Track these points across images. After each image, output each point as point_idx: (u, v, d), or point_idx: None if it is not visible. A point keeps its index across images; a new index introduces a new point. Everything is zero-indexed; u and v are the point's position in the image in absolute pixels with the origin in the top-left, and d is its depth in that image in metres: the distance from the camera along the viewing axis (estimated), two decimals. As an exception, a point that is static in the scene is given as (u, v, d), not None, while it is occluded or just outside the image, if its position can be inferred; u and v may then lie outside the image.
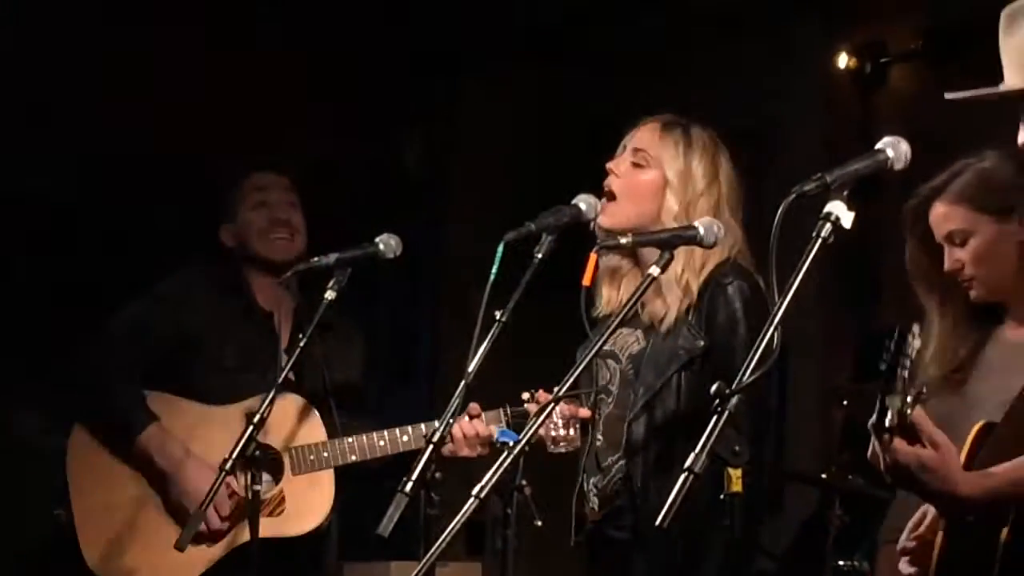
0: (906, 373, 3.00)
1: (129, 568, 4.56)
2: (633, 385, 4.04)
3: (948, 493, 3.14)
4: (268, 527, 4.43)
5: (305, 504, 4.59)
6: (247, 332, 4.74)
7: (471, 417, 4.36)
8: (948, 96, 3.44)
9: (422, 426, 4.53)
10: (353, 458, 4.56)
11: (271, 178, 4.88)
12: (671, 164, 4.06)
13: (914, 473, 3.10)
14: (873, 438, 3.08)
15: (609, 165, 4.10)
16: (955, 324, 3.61)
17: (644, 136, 4.11)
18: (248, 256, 4.81)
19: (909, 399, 3.01)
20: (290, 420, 4.61)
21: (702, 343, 3.95)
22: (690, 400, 3.92)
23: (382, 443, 4.55)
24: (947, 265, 3.56)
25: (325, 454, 4.57)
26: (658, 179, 4.06)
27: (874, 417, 3.04)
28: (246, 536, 4.36)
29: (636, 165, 4.09)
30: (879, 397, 3.04)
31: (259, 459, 4.16)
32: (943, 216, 3.57)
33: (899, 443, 3.07)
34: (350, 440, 4.57)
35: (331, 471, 4.60)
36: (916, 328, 3.03)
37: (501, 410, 4.43)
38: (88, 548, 4.58)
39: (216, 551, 4.56)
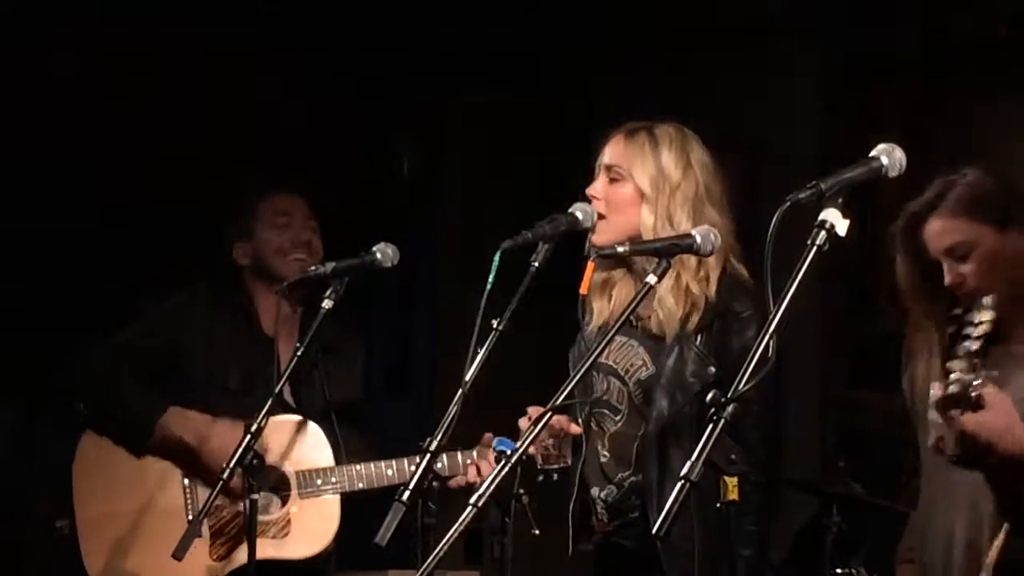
0: (973, 346, 2.98)
1: None
2: (643, 410, 4.03)
3: (1019, 450, 3.11)
4: (272, 548, 4.44)
5: (310, 529, 4.59)
6: (250, 355, 4.73)
7: (485, 446, 4.36)
8: None
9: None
10: (360, 486, 4.57)
11: (294, 200, 4.87)
12: (641, 171, 4.05)
13: (983, 440, 3.06)
14: (935, 418, 3.05)
15: (588, 191, 4.09)
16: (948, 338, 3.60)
17: (612, 151, 4.11)
18: (261, 275, 4.80)
19: (979, 380, 2.98)
20: (298, 443, 4.62)
21: (713, 370, 3.94)
22: (701, 431, 3.90)
23: (390, 472, 4.55)
24: (948, 279, 3.52)
25: (333, 479, 4.57)
26: (634, 191, 4.06)
27: (938, 390, 3.02)
28: (244, 557, 4.36)
29: (612, 180, 4.09)
30: (943, 367, 3.03)
31: (256, 468, 4.16)
32: (941, 230, 3.53)
33: (966, 416, 3.04)
34: (358, 467, 4.57)
35: (338, 499, 4.60)
36: (988, 300, 3.01)
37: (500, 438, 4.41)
38: (90, 558, 4.58)
39: (218, 568, 4.56)
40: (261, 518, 4.54)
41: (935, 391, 3.07)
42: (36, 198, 6.24)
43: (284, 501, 4.59)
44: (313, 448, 4.62)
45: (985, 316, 3.03)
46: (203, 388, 4.66)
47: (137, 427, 4.62)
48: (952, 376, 3.01)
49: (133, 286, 4.87)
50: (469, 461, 4.30)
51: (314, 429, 4.63)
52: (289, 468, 4.59)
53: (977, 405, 3.03)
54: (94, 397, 4.68)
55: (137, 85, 6.42)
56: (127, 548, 4.57)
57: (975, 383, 3.00)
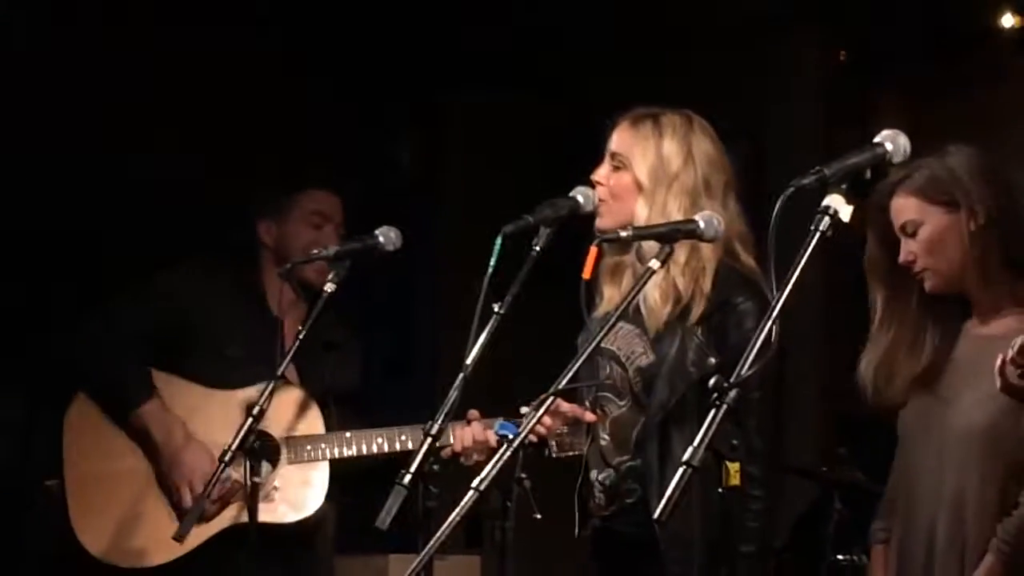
0: None
1: (118, 540, 4.56)
2: (642, 398, 4.01)
3: None
4: (260, 513, 4.44)
5: (298, 494, 4.61)
6: (254, 331, 4.74)
7: (468, 422, 4.36)
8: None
9: (421, 428, 4.51)
10: (349, 453, 4.57)
11: (334, 203, 4.86)
12: (641, 162, 4.02)
13: None
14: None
15: (593, 176, 4.09)
16: (917, 320, 3.66)
17: (618, 138, 4.09)
18: (279, 262, 4.78)
19: None
20: (290, 411, 4.63)
21: (713, 360, 3.92)
22: (700, 420, 3.89)
23: (379, 440, 4.56)
24: (901, 256, 3.62)
25: (323, 446, 4.59)
26: (633, 180, 4.04)
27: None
28: (236, 518, 4.43)
29: (615, 168, 4.09)
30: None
31: (258, 451, 4.17)
32: (899, 208, 3.64)
33: None
34: (347, 435, 4.58)
35: (326, 464, 4.61)
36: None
37: (501, 419, 4.42)
38: (78, 518, 4.58)
39: (206, 531, 4.56)
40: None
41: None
42: (36, 198, 6.25)
43: (273, 467, 4.59)
44: (303, 416, 4.63)
45: None
46: (204, 358, 4.67)
47: (119, 404, 4.63)
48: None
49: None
50: (456, 431, 4.31)
51: (307, 399, 4.65)
52: (279, 434, 4.59)
53: None
54: (87, 360, 4.67)
55: (138, 84, 6.42)
56: (115, 508, 4.58)
57: None
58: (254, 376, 4.53)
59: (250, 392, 4.48)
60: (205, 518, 4.57)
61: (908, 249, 3.62)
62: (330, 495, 4.65)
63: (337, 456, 4.59)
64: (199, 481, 4.52)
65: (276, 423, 4.58)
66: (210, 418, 4.62)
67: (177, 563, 4.54)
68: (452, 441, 4.27)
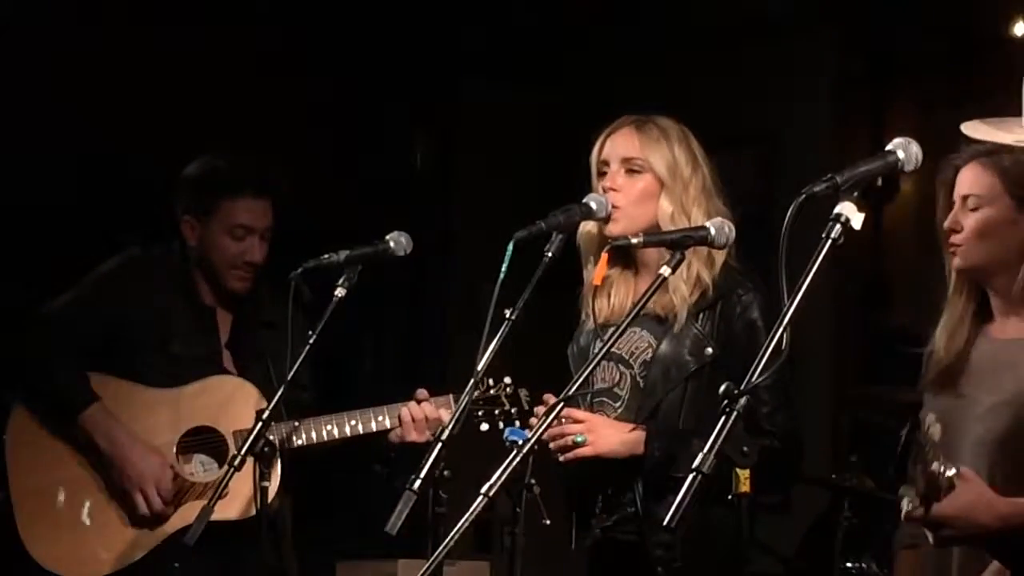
0: (922, 461, 3.01)
1: (69, 550, 4.53)
2: (643, 392, 4.06)
3: (976, 526, 3.16)
4: (215, 511, 4.42)
5: (249, 487, 4.41)
6: (189, 324, 4.71)
7: (419, 401, 4.41)
8: (964, 129, 3.49)
9: (370, 411, 4.50)
10: (299, 442, 4.51)
11: (260, 210, 4.75)
12: (660, 162, 4.09)
13: (953, 524, 3.11)
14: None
15: (605, 184, 4.10)
16: (969, 299, 3.62)
17: (627, 144, 4.13)
18: (201, 261, 4.75)
19: (947, 472, 3.02)
20: (236, 404, 4.58)
21: (710, 351, 3.99)
22: (693, 410, 3.94)
23: (330, 427, 4.51)
24: (947, 221, 3.57)
25: (271, 437, 4.46)
26: (654, 182, 4.09)
27: (907, 505, 3.06)
28: (185, 521, 4.36)
29: (631, 172, 4.10)
30: (897, 491, 3.08)
31: (268, 455, 4.15)
32: (972, 177, 3.57)
33: (938, 504, 3.09)
34: (295, 423, 4.50)
35: (277, 455, 4.56)
36: (931, 416, 3.06)
37: (451, 396, 4.45)
38: (26, 530, 4.54)
39: (156, 536, 4.54)
40: (199, 480, 4.58)
41: (905, 504, 3.11)
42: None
43: (221, 462, 4.54)
44: (249, 407, 4.50)
45: (933, 431, 3.06)
46: (150, 356, 4.63)
47: (61, 413, 4.59)
48: (905, 498, 3.05)
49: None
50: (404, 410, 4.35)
51: (250, 389, 4.60)
52: (225, 428, 4.57)
53: (949, 489, 3.08)
54: (24, 372, 4.63)
55: (139, 84, 6.42)
56: (64, 518, 4.55)
57: (945, 472, 3.04)
58: (200, 370, 4.58)
59: (196, 386, 4.56)
60: (159, 521, 4.55)
61: (958, 219, 3.55)
62: (286, 486, 4.56)
63: (287, 446, 4.48)
64: (150, 485, 4.50)
65: (221, 417, 4.56)
66: (157, 418, 4.60)
67: (132, 568, 4.53)
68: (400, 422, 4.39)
